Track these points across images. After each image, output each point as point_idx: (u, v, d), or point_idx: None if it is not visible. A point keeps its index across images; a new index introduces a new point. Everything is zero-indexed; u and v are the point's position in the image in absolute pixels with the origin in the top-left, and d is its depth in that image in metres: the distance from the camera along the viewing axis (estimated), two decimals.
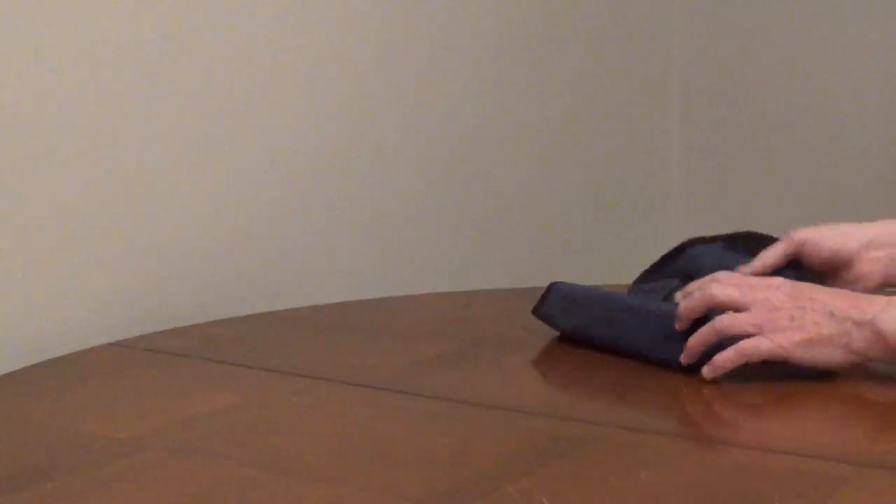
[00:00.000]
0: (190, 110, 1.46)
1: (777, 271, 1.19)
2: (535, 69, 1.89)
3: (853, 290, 1.14)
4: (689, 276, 1.22)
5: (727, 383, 1.11)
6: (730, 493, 0.87)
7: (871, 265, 1.21)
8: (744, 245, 1.25)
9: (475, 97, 1.82)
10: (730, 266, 1.19)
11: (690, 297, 1.12)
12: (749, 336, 1.08)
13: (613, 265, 1.93)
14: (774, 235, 1.24)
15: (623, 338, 1.17)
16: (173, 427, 1.02)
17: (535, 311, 1.28)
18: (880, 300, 1.07)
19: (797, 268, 1.21)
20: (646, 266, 1.33)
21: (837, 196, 2.00)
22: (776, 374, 1.10)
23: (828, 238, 1.21)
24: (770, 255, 1.21)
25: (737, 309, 1.09)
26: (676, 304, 1.14)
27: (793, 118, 2.01)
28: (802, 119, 2.00)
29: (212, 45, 1.48)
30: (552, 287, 1.28)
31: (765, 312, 1.08)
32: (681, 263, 1.28)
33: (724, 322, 1.09)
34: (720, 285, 1.11)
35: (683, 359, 1.11)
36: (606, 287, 1.30)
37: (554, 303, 1.27)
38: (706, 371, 1.09)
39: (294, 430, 1.03)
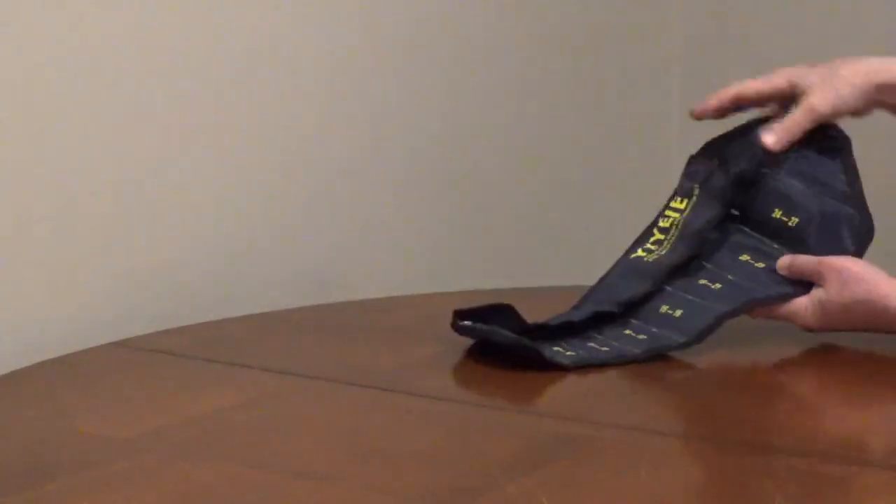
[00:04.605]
0: (191, 109, 1.46)
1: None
2: (534, 68, 1.89)
3: None
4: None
5: (727, 383, 1.11)
6: (730, 493, 0.87)
7: None
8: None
9: (474, 96, 1.81)
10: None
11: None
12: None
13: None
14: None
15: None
16: (173, 427, 1.02)
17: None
18: None
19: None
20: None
21: None
22: (777, 374, 1.10)
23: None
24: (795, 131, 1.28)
25: None
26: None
27: None
28: None
29: (212, 40, 1.48)
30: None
31: None
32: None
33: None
34: None
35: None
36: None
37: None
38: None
39: (294, 430, 1.03)
